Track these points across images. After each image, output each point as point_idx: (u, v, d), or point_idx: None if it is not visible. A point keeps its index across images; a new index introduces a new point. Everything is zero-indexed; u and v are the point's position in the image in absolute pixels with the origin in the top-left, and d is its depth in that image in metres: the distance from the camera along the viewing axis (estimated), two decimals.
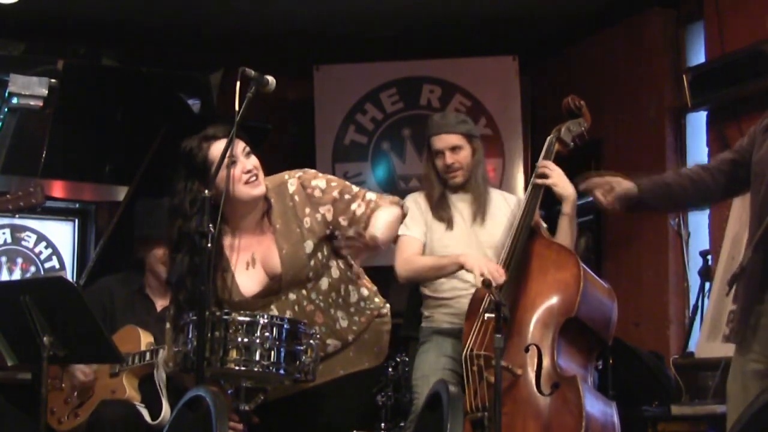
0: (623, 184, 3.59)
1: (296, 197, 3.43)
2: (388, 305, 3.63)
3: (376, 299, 3.58)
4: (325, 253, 3.45)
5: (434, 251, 4.20)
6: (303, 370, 3.23)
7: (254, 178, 3.35)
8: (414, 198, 4.31)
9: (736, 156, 3.52)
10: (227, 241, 3.44)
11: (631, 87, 6.15)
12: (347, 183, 3.49)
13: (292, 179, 3.46)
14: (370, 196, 3.45)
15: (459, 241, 4.18)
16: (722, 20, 5.46)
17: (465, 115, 4.43)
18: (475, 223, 4.22)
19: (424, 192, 4.33)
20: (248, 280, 3.43)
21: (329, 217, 3.41)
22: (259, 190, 3.37)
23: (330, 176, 3.49)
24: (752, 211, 3.42)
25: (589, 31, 6.49)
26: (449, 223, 4.22)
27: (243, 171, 3.34)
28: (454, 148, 4.22)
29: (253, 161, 3.38)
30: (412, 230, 4.21)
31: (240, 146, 3.37)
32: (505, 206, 4.29)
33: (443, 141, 4.23)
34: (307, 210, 3.41)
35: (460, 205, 4.27)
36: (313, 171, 3.52)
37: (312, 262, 3.41)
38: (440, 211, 4.23)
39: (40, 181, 5.85)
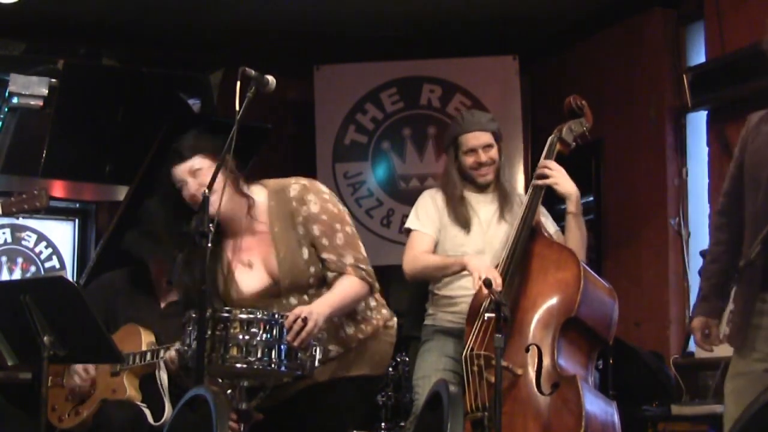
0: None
1: (294, 203, 3.43)
2: (395, 319, 3.62)
3: (384, 311, 3.58)
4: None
5: (448, 251, 4.18)
6: (304, 366, 3.24)
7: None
8: (431, 194, 4.29)
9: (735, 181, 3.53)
10: (228, 241, 3.45)
11: (631, 87, 6.15)
12: (334, 225, 3.43)
13: (295, 185, 3.46)
14: (348, 258, 3.41)
15: (475, 244, 4.16)
16: (722, 20, 5.46)
17: (492, 115, 4.41)
18: (498, 224, 4.20)
19: (443, 190, 4.30)
20: (248, 279, 3.44)
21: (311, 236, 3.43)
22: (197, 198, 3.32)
23: (326, 204, 3.44)
24: (751, 211, 3.42)
25: (589, 31, 6.49)
26: (466, 226, 4.20)
27: (189, 197, 3.36)
28: (487, 147, 4.21)
29: (201, 181, 3.33)
30: (425, 226, 4.20)
31: (186, 167, 3.37)
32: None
33: (477, 138, 4.20)
34: (300, 219, 3.42)
35: (479, 207, 4.24)
36: (317, 185, 3.50)
37: (312, 269, 3.42)
38: (458, 212, 4.19)
39: (45, 184, 5.87)
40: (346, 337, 3.47)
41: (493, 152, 4.22)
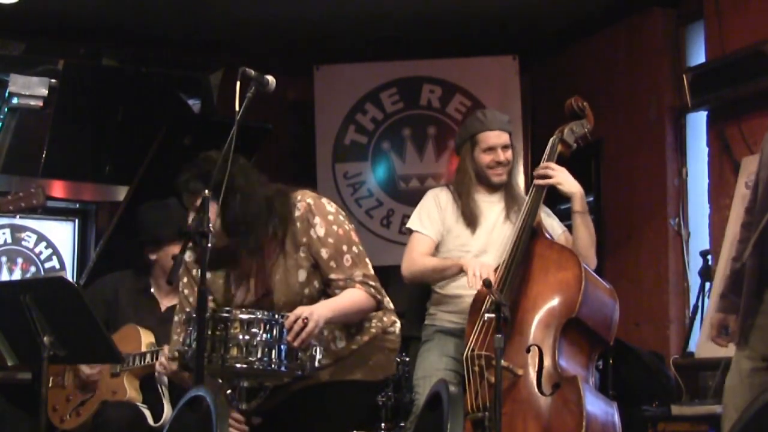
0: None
1: (298, 224, 3.39)
2: (398, 324, 3.57)
3: (384, 318, 3.52)
4: (319, 284, 3.42)
5: (452, 251, 4.18)
6: (304, 366, 3.23)
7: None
8: (435, 194, 4.28)
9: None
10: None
11: (631, 87, 6.15)
12: (341, 248, 3.38)
13: (301, 203, 3.41)
14: (357, 276, 3.38)
15: (479, 244, 4.16)
16: (722, 20, 5.46)
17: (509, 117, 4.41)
18: (503, 224, 4.19)
19: (451, 189, 4.28)
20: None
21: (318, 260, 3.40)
22: None
23: (331, 227, 3.38)
24: (757, 209, 3.45)
25: (589, 31, 6.49)
26: (473, 225, 4.19)
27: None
28: (505, 147, 4.21)
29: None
30: (426, 228, 4.19)
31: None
32: None
33: (499, 137, 4.20)
34: (304, 240, 3.39)
35: (485, 207, 4.23)
36: (322, 205, 3.43)
37: (306, 291, 3.40)
38: (466, 212, 4.19)
39: (41, 182, 5.86)
40: (337, 350, 3.43)
41: (509, 153, 4.23)
